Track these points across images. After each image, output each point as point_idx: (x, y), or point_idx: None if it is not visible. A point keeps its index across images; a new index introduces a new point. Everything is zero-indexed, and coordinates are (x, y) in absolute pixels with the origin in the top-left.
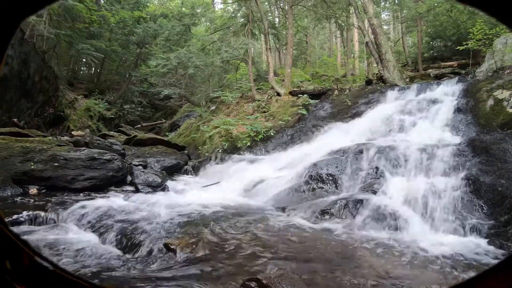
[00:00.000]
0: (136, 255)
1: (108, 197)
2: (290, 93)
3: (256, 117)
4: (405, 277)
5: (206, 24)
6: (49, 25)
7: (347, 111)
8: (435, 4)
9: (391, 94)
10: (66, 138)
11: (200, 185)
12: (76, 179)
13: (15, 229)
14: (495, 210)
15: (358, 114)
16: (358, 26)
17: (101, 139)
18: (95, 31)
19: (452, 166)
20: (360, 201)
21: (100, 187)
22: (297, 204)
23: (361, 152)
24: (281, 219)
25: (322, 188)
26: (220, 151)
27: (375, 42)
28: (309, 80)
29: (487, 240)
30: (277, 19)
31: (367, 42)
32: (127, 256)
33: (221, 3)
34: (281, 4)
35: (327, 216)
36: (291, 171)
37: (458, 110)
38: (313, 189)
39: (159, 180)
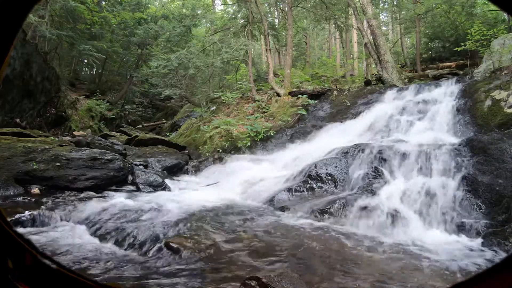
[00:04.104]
0: (138, 254)
1: (110, 196)
2: (290, 93)
3: (256, 117)
4: (404, 276)
5: (207, 25)
6: (51, 26)
7: (346, 112)
8: (434, 5)
9: (390, 94)
10: (67, 138)
11: (200, 185)
12: (77, 179)
13: (17, 228)
14: (493, 210)
15: (357, 115)
16: (357, 27)
17: (102, 139)
18: (96, 32)
19: (450, 166)
20: (359, 201)
21: (102, 186)
22: (296, 203)
23: (360, 152)
24: (281, 219)
25: (322, 187)
26: (220, 151)
27: (374, 43)
28: (309, 81)
29: (485, 239)
30: (276, 20)
31: (366, 43)
32: (129, 254)
33: (221, 4)
34: (281, 6)
35: (326, 216)
36: (291, 171)
37: (456, 110)
38: (313, 189)
39: (160, 180)
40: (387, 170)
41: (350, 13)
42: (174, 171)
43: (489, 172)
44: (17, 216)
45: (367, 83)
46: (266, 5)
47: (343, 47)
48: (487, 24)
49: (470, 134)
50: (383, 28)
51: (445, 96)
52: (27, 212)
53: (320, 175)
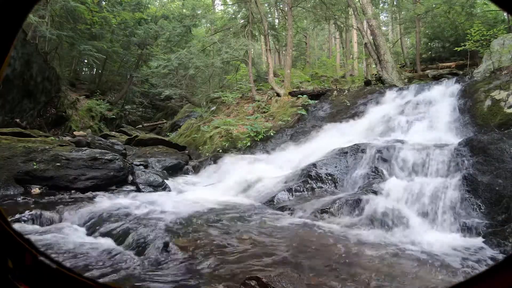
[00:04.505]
0: (137, 254)
1: (110, 196)
2: (290, 93)
3: (256, 118)
4: (403, 276)
5: (207, 26)
6: (51, 26)
7: (346, 112)
8: (433, 6)
9: (390, 94)
10: (68, 138)
11: (200, 185)
12: (78, 179)
13: (17, 228)
14: (493, 210)
15: (357, 115)
16: (357, 27)
17: (102, 139)
18: (96, 32)
19: (450, 166)
20: (359, 201)
21: (102, 186)
22: (296, 203)
23: (360, 152)
24: (281, 219)
25: (322, 187)
26: (220, 151)
27: (374, 43)
28: (309, 81)
29: (484, 239)
30: (276, 21)
31: (366, 43)
32: (128, 254)
33: (222, 4)
34: (281, 6)
35: (326, 216)
36: (291, 171)
37: (456, 110)
38: (313, 189)
39: (160, 180)
40: (386, 170)
41: (350, 13)
42: (174, 171)
43: (489, 172)
44: (17, 216)
45: (367, 83)
46: (266, 5)
47: (343, 47)
48: (487, 24)
49: (470, 134)
50: (383, 28)
51: (445, 96)
52: (27, 212)
53: (320, 175)
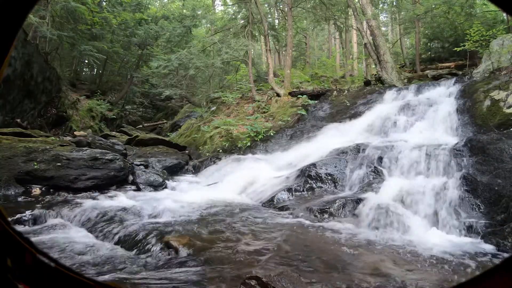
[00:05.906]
0: (138, 253)
1: (110, 196)
2: (290, 93)
3: (256, 118)
4: (403, 276)
5: (207, 26)
6: (52, 26)
7: (345, 112)
8: (433, 6)
9: (389, 94)
10: (68, 138)
11: (200, 185)
12: (78, 179)
13: (18, 228)
14: (492, 209)
15: (356, 115)
16: (357, 27)
17: (103, 139)
18: (97, 33)
19: (449, 166)
20: (359, 201)
21: (102, 186)
22: (296, 203)
23: (359, 152)
24: (281, 218)
25: (321, 187)
26: (220, 151)
27: (374, 43)
28: (308, 81)
29: (483, 239)
30: (276, 21)
31: (365, 44)
32: (129, 254)
33: (222, 5)
34: (281, 6)
35: (326, 216)
36: (291, 170)
37: (455, 110)
38: (312, 189)
39: (160, 180)
40: (386, 170)
41: (349, 13)
42: (175, 171)
43: (488, 172)
44: (17, 215)
45: (367, 83)
46: (266, 5)
47: (342, 48)
48: (486, 25)
49: (469, 134)
50: (383, 28)
51: (444, 96)
52: (27, 212)
53: (320, 175)
